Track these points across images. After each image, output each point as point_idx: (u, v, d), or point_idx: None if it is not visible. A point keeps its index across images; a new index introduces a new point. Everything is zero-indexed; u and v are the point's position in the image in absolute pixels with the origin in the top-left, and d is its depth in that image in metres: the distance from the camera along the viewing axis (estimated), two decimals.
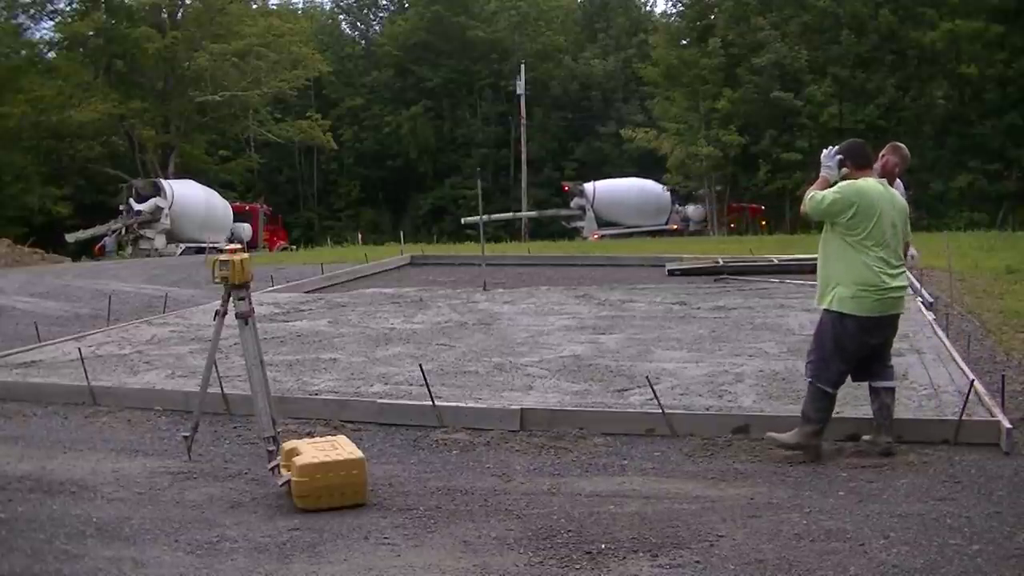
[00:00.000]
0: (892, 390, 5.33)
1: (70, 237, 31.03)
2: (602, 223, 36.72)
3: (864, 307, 5.10)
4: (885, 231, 5.16)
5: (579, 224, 37.67)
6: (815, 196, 5.26)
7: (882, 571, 3.61)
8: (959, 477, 4.73)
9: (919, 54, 38.31)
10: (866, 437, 5.30)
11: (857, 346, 5.19)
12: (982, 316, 9.44)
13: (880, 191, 5.26)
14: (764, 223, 38.82)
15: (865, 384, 5.32)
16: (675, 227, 38.30)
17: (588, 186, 38.35)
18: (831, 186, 5.27)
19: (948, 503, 4.35)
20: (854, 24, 38.35)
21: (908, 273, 5.38)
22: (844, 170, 5.31)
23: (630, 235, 34.57)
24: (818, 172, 5.41)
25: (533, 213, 40.01)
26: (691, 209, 39.46)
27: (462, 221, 36.98)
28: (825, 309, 5.22)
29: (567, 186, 39.94)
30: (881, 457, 5.12)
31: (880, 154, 7.13)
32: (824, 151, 5.46)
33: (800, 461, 5.03)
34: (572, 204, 38.53)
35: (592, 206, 37.15)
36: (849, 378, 5.33)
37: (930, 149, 38.12)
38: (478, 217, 36.99)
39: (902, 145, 7.40)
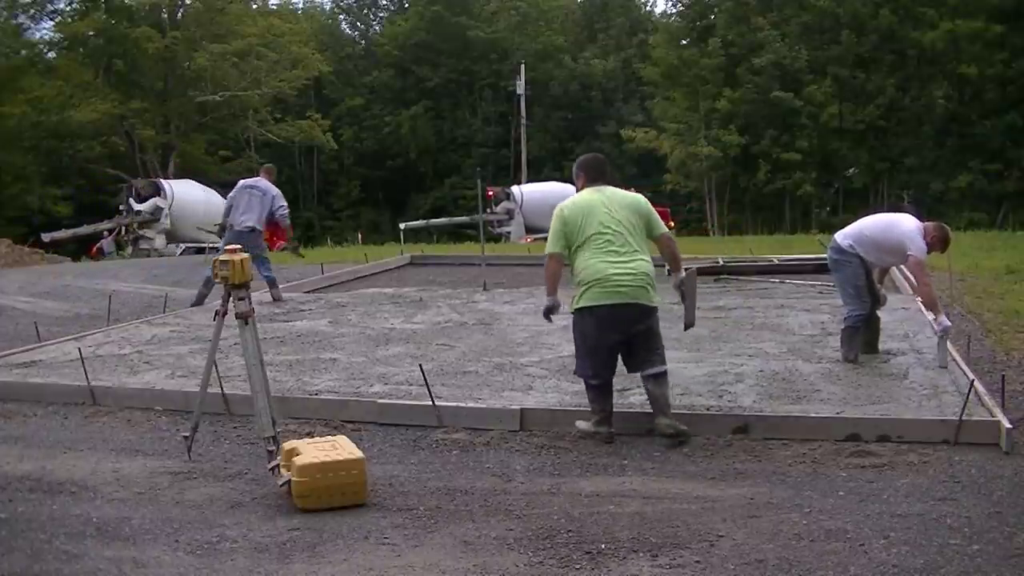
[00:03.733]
0: (657, 376, 5.48)
1: (46, 236, 29.60)
2: (528, 228, 35.63)
3: (592, 298, 5.40)
4: (600, 226, 5.46)
5: (506, 229, 36.62)
6: (547, 245, 5.71)
7: (882, 571, 3.61)
8: (959, 477, 4.72)
9: (919, 54, 38.33)
10: (663, 422, 5.42)
11: (597, 338, 5.44)
12: (982, 316, 9.44)
13: (589, 195, 5.64)
14: (671, 226, 38.65)
15: (867, 385, 5.32)
16: None
17: (516, 190, 37.36)
18: None
19: (948, 503, 4.34)
20: (854, 24, 38.37)
21: (644, 264, 5.48)
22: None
23: None
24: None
25: (465, 218, 39.28)
26: None
27: (401, 226, 36.65)
28: (572, 311, 5.55)
29: (492, 191, 39.20)
30: (674, 439, 5.32)
31: (930, 232, 7.02)
32: None
33: (800, 461, 5.03)
34: (498, 208, 37.42)
35: (520, 210, 36.16)
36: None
37: (930, 149, 38.17)
38: (417, 222, 37.03)
39: (952, 237, 7.29)
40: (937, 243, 7.08)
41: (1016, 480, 4.67)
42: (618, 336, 5.45)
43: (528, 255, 19.28)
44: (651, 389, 5.49)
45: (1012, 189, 36.19)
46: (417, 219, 39.06)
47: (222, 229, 11.71)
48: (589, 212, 5.53)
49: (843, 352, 7.21)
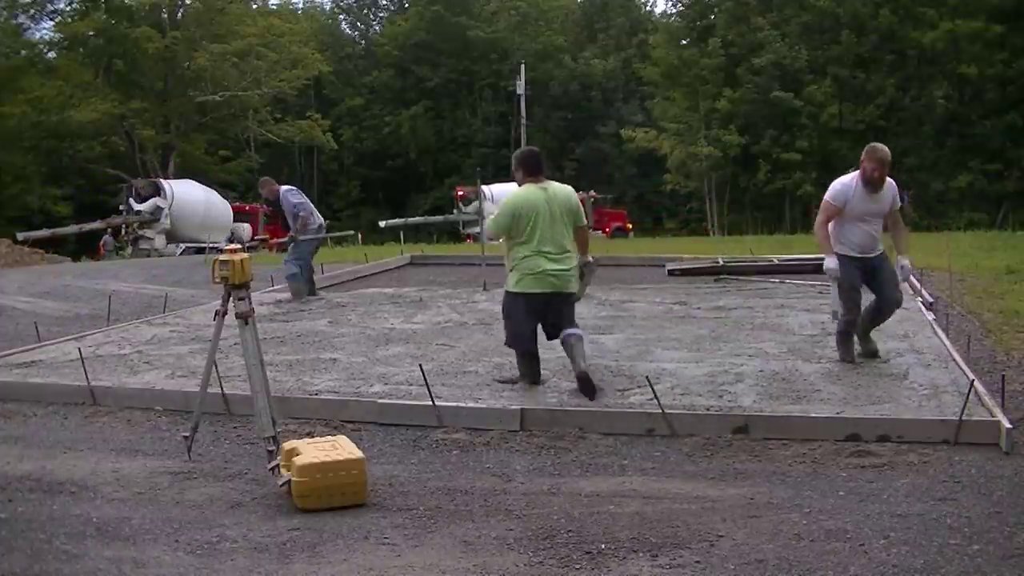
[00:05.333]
0: (577, 335, 6.45)
1: (21, 236, 28.96)
2: None
3: (528, 285, 6.32)
4: (543, 228, 6.29)
5: (475, 230, 36.55)
6: (489, 223, 6.60)
7: (882, 571, 3.61)
8: (959, 477, 4.72)
9: (919, 54, 38.35)
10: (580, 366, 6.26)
11: (526, 317, 6.40)
12: (982, 316, 9.44)
13: (536, 193, 6.38)
14: (629, 227, 39.07)
15: (867, 385, 5.33)
16: None
17: (486, 190, 37.33)
18: None
19: (948, 503, 4.34)
20: (854, 24, 38.39)
21: (573, 261, 6.48)
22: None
23: None
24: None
25: (439, 218, 38.90)
26: None
27: (381, 224, 36.32)
28: (505, 291, 6.52)
29: (462, 191, 38.06)
30: (587, 384, 6.18)
31: (861, 160, 6.67)
32: None
33: (800, 461, 5.03)
34: (469, 208, 36.45)
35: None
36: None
37: (930, 149, 38.19)
38: (396, 220, 36.90)
39: (878, 146, 6.66)
40: (865, 160, 6.57)
41: (1016, 480, 4.67)
42: (539, 317, 6.46)
43: None
44: (572, 343, 6.37)
45: (1012, 189, 36.19)
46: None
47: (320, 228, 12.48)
48: (535, 212, 6.30)
49: (840, 354, 7.13)
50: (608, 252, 19.52)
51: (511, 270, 6.42)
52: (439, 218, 38.70)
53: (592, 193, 41.22)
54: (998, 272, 13.00)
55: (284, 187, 12.61)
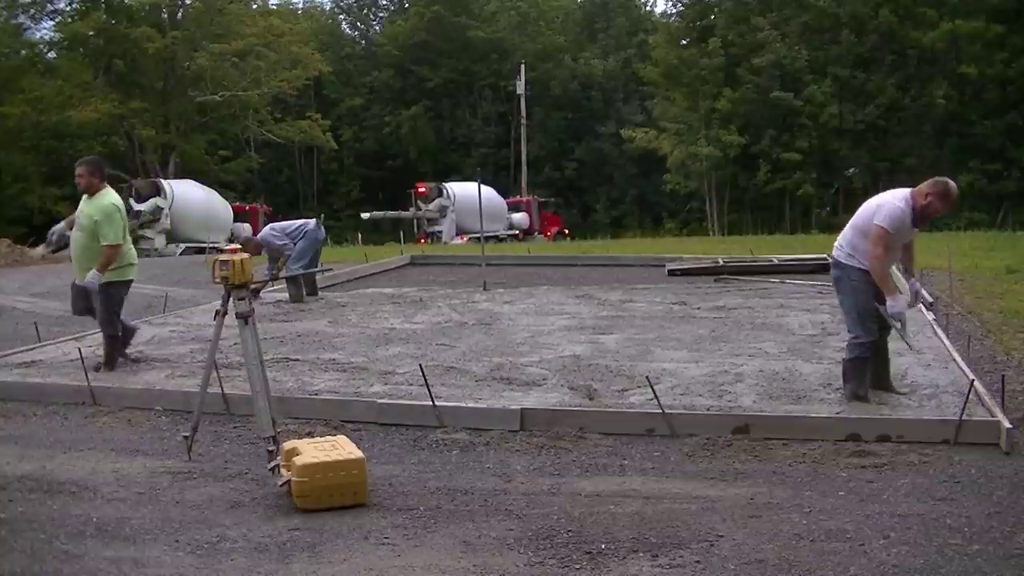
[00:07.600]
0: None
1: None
2: (459, 228, 35.01)
3: (130, 274, 7.77)
4: (128, 223, 7.89)
5: (437, 228, 35.65)
6: (109, 231, 7.42)
7: (882, 571, 3.61)
8: (959, 477, 4.72)
9: (919, 54, 38.36)
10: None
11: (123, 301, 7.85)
12: (982, 316, 9.45)
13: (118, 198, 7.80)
14: (566, 232, 39.24)
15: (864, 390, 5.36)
16: (518, 232, 37.69)
17: (448, 187, 36.31)
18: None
19: (948, 503, 4.34)
20: (854, 24, 38.40)
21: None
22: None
23: (486, 240, 33.10)
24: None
25: (407, 213, 38.47)
26: (517, 217, 39.18)
27: (364, 216, 36.23)
28: (113, 284, 7.58)
29: (423, 187, 37.37)
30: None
31: (924, 192, 5.84)
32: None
33: (800, 461, 5.03)
34: (431, 206, 36.26)
35: (454, 208, 35.17)
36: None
37: (930, 149, 38.20)
38: (378, 213, 36.87)
39: (952, 185, 5.95)
40: (936, 199, 5.85)
41: (1016, 480, 4.67)
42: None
43: (528, 255, 19.31)
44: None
45: (1012, 189, 36.21)
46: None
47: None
48: (125, 213, 7.76)
49: (850, 388, 6.03)
50: (607, 252, 19.52)
51: (120, 266, 7.59)
52: (407, 213, 38.60)
53: (534, 196, 41.62)
54: (998, 272, 13.02)
55: (265, 229, 12.56)
